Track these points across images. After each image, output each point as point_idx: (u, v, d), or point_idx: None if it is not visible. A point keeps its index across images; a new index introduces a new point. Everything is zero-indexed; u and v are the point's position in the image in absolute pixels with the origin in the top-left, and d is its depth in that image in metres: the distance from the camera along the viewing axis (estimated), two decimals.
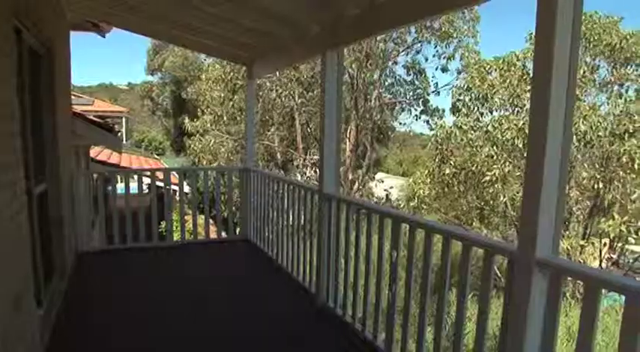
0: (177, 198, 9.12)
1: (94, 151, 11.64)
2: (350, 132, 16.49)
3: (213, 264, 5.79)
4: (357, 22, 3.73)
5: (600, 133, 9.77)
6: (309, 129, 17.24)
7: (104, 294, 4.56)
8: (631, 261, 11.66)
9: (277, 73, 15.42)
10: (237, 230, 6.86)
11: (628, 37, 11.05)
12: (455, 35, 14.97)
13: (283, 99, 16.32)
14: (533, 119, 2.19)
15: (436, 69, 15.95)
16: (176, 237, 7.56)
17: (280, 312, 4.27)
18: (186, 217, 6.82)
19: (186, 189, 9.72)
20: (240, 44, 5.67)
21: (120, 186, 6.30)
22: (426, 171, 11.52)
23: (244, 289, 4.87)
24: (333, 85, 4.14)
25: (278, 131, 17.89)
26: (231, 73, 16.40)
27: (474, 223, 12.21)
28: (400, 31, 15.39)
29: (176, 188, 10.09)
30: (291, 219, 5.19)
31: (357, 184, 16.56)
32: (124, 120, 27.05)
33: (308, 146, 17.26)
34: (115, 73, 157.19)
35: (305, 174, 16.56)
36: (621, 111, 10.15)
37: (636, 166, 9.28)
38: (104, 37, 6.61)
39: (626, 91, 10.95)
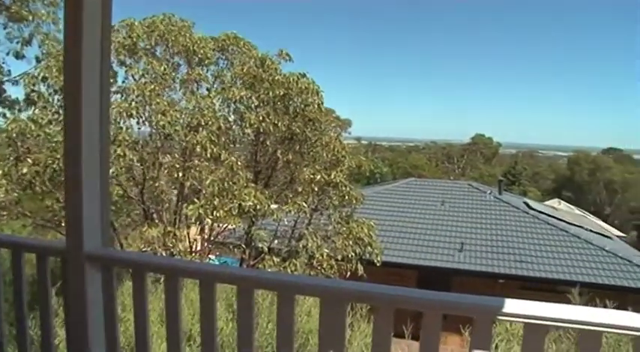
0: None
1: None
2: None
3: None
4: None
5: (178, 127, 10.65)
6: None
7: None
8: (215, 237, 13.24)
9: None
10: None
11: (199, 41, 12.34)
12: (31, 18, 13.51)
13: None
14: (68, 116, 2.21)
15: (7, 54, 14.11)
16: None
17: None
18: None
19: None
20: None
21: None
22: (0, 172, 10.13)
23: None
24: None
25: None
26: None
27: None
28: None
29: None
30: None
31: None
32: None
33: None
34: None
35: None
36: (194, 107, 11.29)
37: (208, 155, 10.53)
38: None
39: (197, 89, 12.24)
